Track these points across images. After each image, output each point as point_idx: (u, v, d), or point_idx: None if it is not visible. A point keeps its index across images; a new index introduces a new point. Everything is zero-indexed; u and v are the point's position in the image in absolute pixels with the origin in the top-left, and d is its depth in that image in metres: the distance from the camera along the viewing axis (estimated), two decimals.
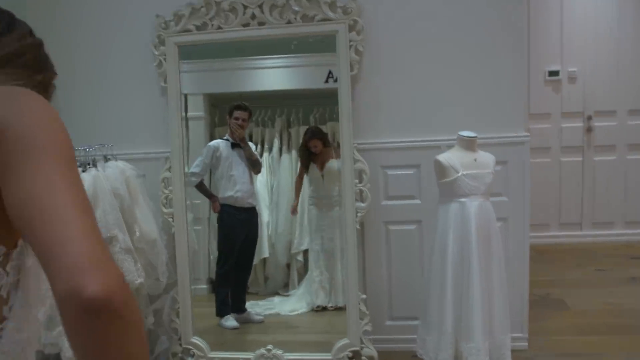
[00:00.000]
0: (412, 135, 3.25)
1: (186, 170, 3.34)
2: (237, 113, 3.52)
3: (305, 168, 3.60)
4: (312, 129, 3.59)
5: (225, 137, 3.54)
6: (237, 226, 3.51)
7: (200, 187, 3.49)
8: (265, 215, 3.78)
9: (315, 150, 3.55)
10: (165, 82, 3.23)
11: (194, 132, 3.63)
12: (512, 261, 3.01)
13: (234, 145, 3.48)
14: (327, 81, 3.35)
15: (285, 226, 3.80)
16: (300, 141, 3.60)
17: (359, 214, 3.12)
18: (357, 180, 3.13)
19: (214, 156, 3.45)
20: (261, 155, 3.80)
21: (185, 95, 3.40)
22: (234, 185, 3.48)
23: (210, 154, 3.46)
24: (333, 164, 3.51)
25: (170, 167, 3.27)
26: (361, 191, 3.16)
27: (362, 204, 3.15)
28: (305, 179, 3.63)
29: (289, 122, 3.84)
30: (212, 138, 3.74)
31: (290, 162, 3.84)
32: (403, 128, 3.25)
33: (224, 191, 3.51)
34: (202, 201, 3.67)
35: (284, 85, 3.71)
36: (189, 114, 3.52)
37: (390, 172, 3.31)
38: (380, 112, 3.26)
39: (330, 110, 3.50)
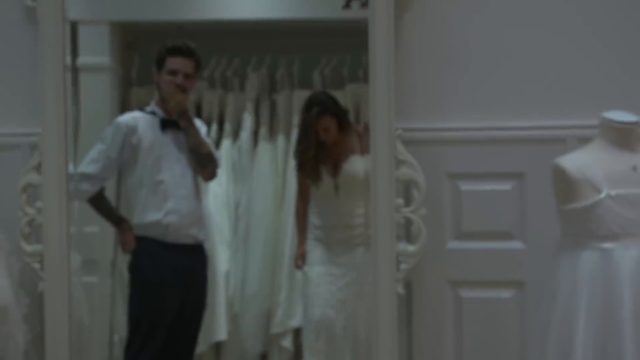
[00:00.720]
0: (508, 117, 3.27)
1: (72, 170, 3.31)
2: (173, 62, 3.48)
3: (308, 175, 3.64)
4: (319, 98, 3.63)
5: (149, 109, 3.49)
6: (167, 280, 3.43)
7: (98, 202, 3.45)
8: (223, 261, 3.76)
9: (324, 138, 3.54)
10: None
11: (90, 97, 3.65)
12: None
13: (165, 125, 3.45)
14: (347, 5, 3.38)
15: (261, 282, 3.79)
16: (299, 119, 3.64)
17: (402, 265, 3.08)
18: (400, 201, 3.08)
19: (127, 144, 3.37)
20: (218, 143, 3.79)
21: (75, 25, 3.41)
22: (162, 200, 3.39)
23: (119, 140, 3.39)
24: (356, 164, 3.55)
25: (39, 164, 3.18)
26: (408, 221, 3.10)
27: (410, 247, 3.11)
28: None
29: (272, 82, 3.85)
30: (124, 108, 3.73)
31: (273, 156, 3.85)
32: (491, 102, 3.30)
33: (143, 212, 3.42)
34: (101, 229, 3.65)
35: (263, 12, 3.71)
36: (82, 60, 3.56)
37: (465, 186, 3.29)
38: (447, 70, 3.29)
39: (353, 62, 3.58)
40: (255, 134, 3.83)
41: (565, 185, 2.84)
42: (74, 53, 3.46)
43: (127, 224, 3.43)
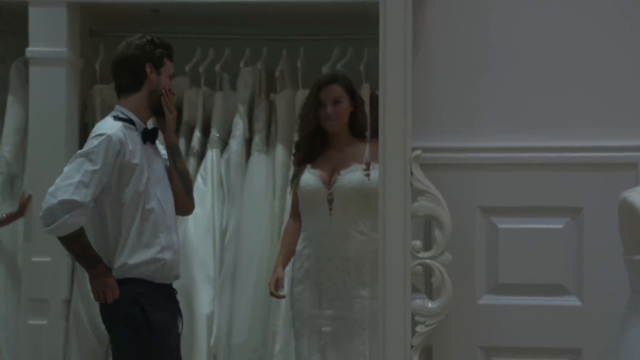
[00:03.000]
0: (560, 135, 2.99)
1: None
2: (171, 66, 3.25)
3: (299, 172, 3.41)
4: (333, 72, 3.51)
5: (122, 116, 3.13)
6: (172, 331, 3.22)
7: (76, 237, 3.06)
8: (205, 302, 3.57)
9: (328, 119, 3.32)
10: None
11: (42, 96, 3.50)
12: None
13: (145, 137, 3.15)
14: None
15: (250, 329, 3.58)
16: (301, 109, 3.50)
17: (420, 327, 2.80)
18: (417, 243, 2.80)
19: (117, 165, 3.05)
20: (202, 154, 3.69)
21: (24, 6, 3.37)
22: (154, 234, 3.09)
23: (112, 159, 3.04)
24: (357, 175, 3.30)
25: None
26: (428, 270, 2.83)
27: (431, 303, 2.81)
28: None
29: (270, 79, 3.70)
30: (83, 111, 3.67)
31: (269, 172, 3.68)
32: (537, 115, 2.99)
33: (132, 249, 3.09)
34: (53, 260, 3.49)
35: None
36: (33, 50, 3.45)
37: (503, 224, 2.99)
38: (480, 74, 3.00)
39: (372, 56, 3.40)
40: (248, 144, 3.67)
41: (637, 227, 2.60)
42: (21, 41, 3.43)
43: (103, 265, 3.09)
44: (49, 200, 2.90)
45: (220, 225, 3.62)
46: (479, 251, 2.96)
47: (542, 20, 2.99)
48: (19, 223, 3.48)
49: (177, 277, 3.26)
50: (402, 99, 2.78)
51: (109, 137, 3.01)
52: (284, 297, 3.42)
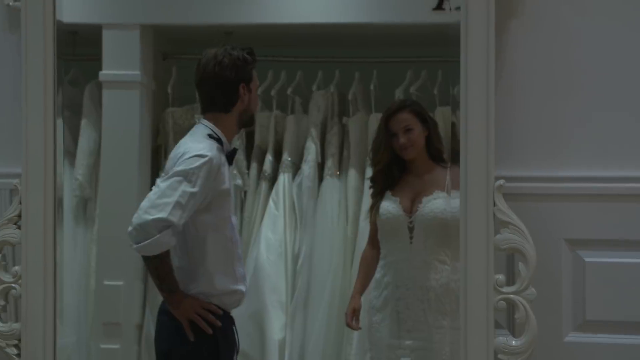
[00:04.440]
0: None
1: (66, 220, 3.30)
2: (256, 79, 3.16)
3: (375, 194, 3.34)
4: (400, 100, 3.43)
5: (213, 134, 3.04)
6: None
7: (163, 260, 2.95)
8: (276, 328, 3.50)
9: (404, 143, 3.25)
10: None
11: (115, 119, 3.48)
12: None
13: (231, 158, 3.09)
14: (439, 6, 3.13)
15: (324, 356, 3.53)
16: (372, 143, 3.41)
17: None
18: (501, 277, 2.78)
19: (211, 188, 2.95)
20: (274, 178, 3.61)
21: (98, 30, 3.40)
22: (232, 262, 3.01)
23: (210, 181, 2.92)
24: (441, 203, 3.23)
25: (18, 215, 2.95)
26: (512, 305, 2.80)
27: (514, 341, 2.78)
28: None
29: (343, 102, 3.60)
30: (155, 134, 3.62)
31: (342, 196, 3.59)
32: (628, 143, 2.97)
33: (214, 278, 2.98)
34: (126, 284, 3.47)
35: (332, 15, 3.46)
36: (106, 73, 3.43)
37: (591, 257, 2.95)
38: (568, 98, 2.97)
39: (445, 80, 3.31)
40: (320, 168, 3.58)
41: None
42: (95, 65, 3.41)
43: (182, 291, 2.99)
44: (142, 216, 2.78)
45: (293, 250, 3.54)
46: (565, 286, 2.92)
47: (633, 43, 2.93)
48: (92, 246, 3.46)
49: (238, 306, 3.16)
50: (484, 125, 2.75)
51: (210, 160, 2.88)
52: (359, 329, 3.36)
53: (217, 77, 2.98)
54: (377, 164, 3.32)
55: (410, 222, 3.24)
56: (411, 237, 3.25)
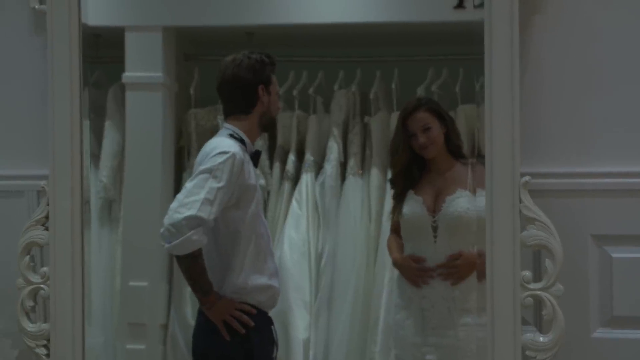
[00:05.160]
0: None
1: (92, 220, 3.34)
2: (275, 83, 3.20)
3: (399, 201, 3.32)
4: (415, 99, 3.39)
5: (235, 134, 3.08)
6: None
7: (195, 259, 2.96)
8: (300, 328, 3.49)
9: (424, 143, 3.24)
10: None
11: (138, 121, 3.52)
12: None
13: (255, 159, 3.15)
14: (460, 5, 3.17)
15: (348, 353, 3.50)
16: (391, 144, 3.40)
17: None
18: (527, 273, 2.77)
19: (237, 185, 2.96)
20: (296, 177, 3.61)
21: (121, 33, 3.42)
22: (264, 258, 3.05)
23: (235, 178, 2.95)
24: (464, 202, 3.21)
25: (46, 216, 2.91)
26: (539, 302, 2.78)
27: (542, 337, 2.77)
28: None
29: (364, 100, 3.60)
30: (178, 135, 3.63)
31: (365, 195, 3.58)
32: None
33: (247, 275, 3.02)
34: (151, 284, 3.49)
35: (352, 15, 3.46)
36: (129, 75, 3.44)
37: (618, 252, 2.93)
38: (594, 94, 2.95)
39: (468, 78, 3.29)
40: (343, 167, 3.57)
41: None
42: (118, 67, 3.43)
43: (215, 292, 3.00)
44: (173, 216, 2.82)
45: (316, 249, 3.52)
46: (592, 282, 2.91)
47: None
48: (117, 247, 3.48)
49: (275, 305, 3.17)
50: (509, 122, 2.73)
51: (234, 156, 2.92)
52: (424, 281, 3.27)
53: (235, 79, 3.01)
54: (397, 165, 3.32)
55: (434, 221, 3.23)
56: (435, 236, 3.24)
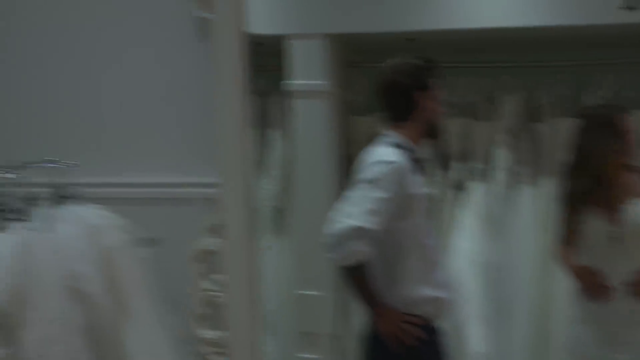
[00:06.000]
0: None
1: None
2: (440, 90, 3.10)
3: (575, 212, 3.19)
4: (611, 102, 3.39)
5: (397, 142, 3.01)
6: None
7: (361, 271, 2.93)
8: (477, 341, 3.54)
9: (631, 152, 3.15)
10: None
11: (303, 128, 3.60)
12: None
13: (416, 166, 3.05)
14: (630, 6, 3.16)
15: None
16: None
17: None
18: None
19: (402, 195, 2.90)
20: (461, 185, 3.68)
21: (285, 41, 3.50)
22: (431, 268, 2.98)
23: (399, 188, 2.90)
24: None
25: (218, 224, 2.90)
26: None
27: None
28: None
29: (532, 107, 3.63)
30: (344, 142, 3.71)
31: (536, 203, 3.59)
32: None
33: (413, 285, 2.96)
34: (321, 293, 3.57)
35: (517, 19, 3.42)
36: (294, 83, 3.54)
37: None
38: None
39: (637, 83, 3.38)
40: (512, 175, 3.61)
41: None
42: (281, 75, 3.52)
43: (384, 303, 2.93)
44: (338, 227, 2.80)
45: (488, 259, 3.54)
46: None
47: None
48: (286, 256, 3.57)
49: (447, 316, 3.11)
50: None
51: (397, 165, 2.88)
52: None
53: (392, 83, 2.99)
54: (606, 173, 3.15)
55: (613, 232, 3.11)
56: (615, 247, 3.12)
